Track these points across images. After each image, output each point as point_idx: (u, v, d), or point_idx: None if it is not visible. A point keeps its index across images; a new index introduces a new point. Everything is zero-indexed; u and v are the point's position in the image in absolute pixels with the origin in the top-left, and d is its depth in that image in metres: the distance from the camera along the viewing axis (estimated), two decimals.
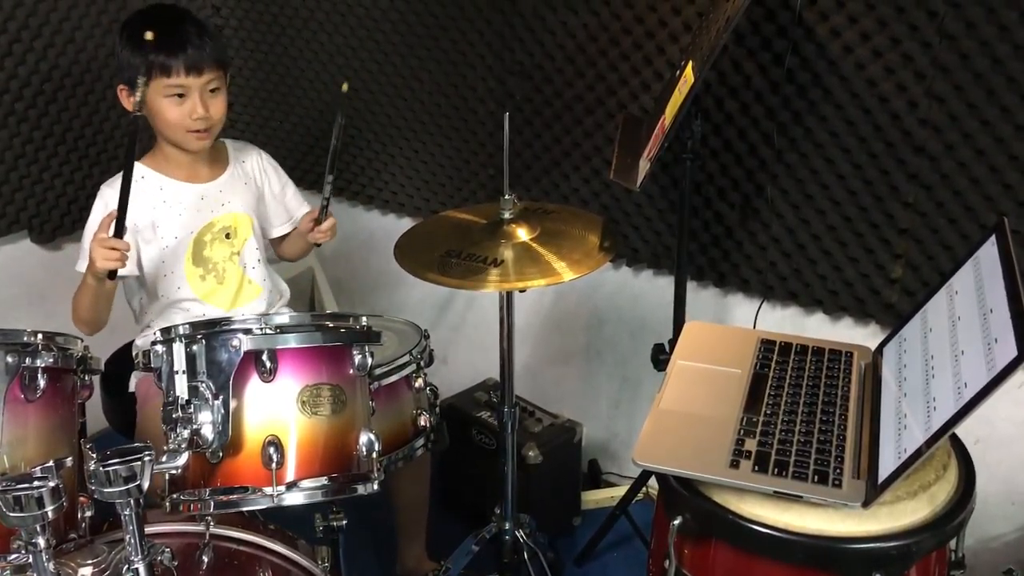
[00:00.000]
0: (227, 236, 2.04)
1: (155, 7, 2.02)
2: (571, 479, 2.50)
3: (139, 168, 1.97)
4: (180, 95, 1.88)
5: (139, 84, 1.71)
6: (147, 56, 1.83)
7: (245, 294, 2.08)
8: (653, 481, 2.38)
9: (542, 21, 2.33)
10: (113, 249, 1.73)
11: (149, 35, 1.76)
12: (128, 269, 1.90)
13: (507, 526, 2.09)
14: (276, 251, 2.27)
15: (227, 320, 1.51)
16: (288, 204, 2.20)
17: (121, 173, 1.72)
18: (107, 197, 1.93)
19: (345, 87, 1.93)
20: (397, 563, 2.29)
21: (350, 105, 2.76)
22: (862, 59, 1.90)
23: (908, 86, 1.87)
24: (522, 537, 2.09)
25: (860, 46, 1.90)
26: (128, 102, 1.91)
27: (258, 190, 2.14)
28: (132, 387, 2.05)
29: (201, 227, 2.01)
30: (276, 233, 2.20)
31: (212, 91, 1.92)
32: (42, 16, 2.44)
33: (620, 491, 2.45)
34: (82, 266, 1.90)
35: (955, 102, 1.83)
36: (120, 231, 1.72)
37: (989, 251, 1.35)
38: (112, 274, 1.76)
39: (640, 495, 2.35)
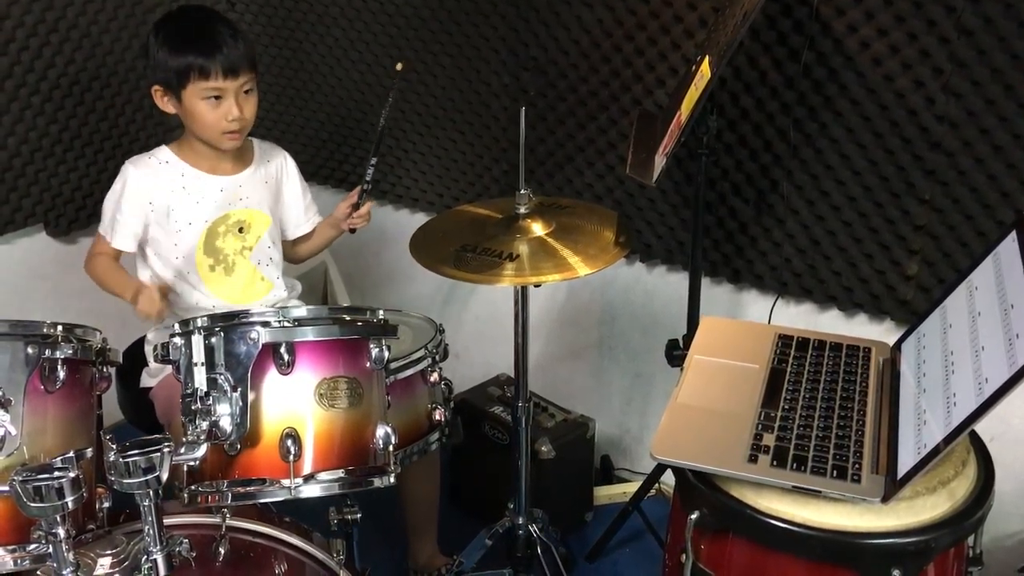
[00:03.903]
0: (240, 230, 2.06)
1: (186, 8, 2.04)
2: (583, 474, 2.51)
3: (166, 153, 2.02)
4: (217, 97, 1.90)
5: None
6: (185, 59, 1.87)
7: (255, 290, 2.10)
8: (665, 477, 2.38)
9: (556, 16, 2.33)
10: (156, 303, 1.82)
11: (399, 66, 1.89)
12: (133, 247, 2.00)
13: (520, 521, 2.09)
14: (289, 253, 2.27)
15: (245, 313, 1.51)
16: (307, 209, 2.22)
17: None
18: (129, 173, 1.99)
19: (400, 66, 1.97)
20: (409, 559, 2.30)
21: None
22: (879, 54, 1.90)
23: (925, 82, 1.87)
24: (535, 532, 2.09)
25: (877, 41, 1.89)
26: (163, 103, 1.95)
27: (278, 191, 2.15)
28: (143, 383, 2.06)
29: (216, 218, 2.03)
30: (293, 235, 2.22)
31: (246, 92, 1.95)
32: (59, 10, 2.44)
33: (632, 487, 2.45)
34: (104, 230, 2.00)
35: (973, 98, 1.82)
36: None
37: (1009, 247, 1.34)
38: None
39: (652, 491, 2.35)
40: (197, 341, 1.48)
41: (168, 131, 2.71)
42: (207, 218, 2.02)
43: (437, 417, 1.98)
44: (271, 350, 1.48)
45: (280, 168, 2.16)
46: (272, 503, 1.61)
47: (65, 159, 2.56)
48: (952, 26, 1.80)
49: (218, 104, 1.91)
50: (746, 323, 2.15)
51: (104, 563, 1.35)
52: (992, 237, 1.81)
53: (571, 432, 2.41)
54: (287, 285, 2.18)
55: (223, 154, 2.03)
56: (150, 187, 1.97)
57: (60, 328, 1.47)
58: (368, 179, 2.02)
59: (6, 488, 1.27)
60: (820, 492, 1.30)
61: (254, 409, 1.48)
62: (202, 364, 1.48)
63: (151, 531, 1.29)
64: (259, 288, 2.11)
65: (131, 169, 1.99)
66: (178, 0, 2.73)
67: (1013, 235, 1.35)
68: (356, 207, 2.07)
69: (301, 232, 2.22)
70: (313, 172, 2.96)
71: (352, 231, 2.13)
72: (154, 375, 2.04)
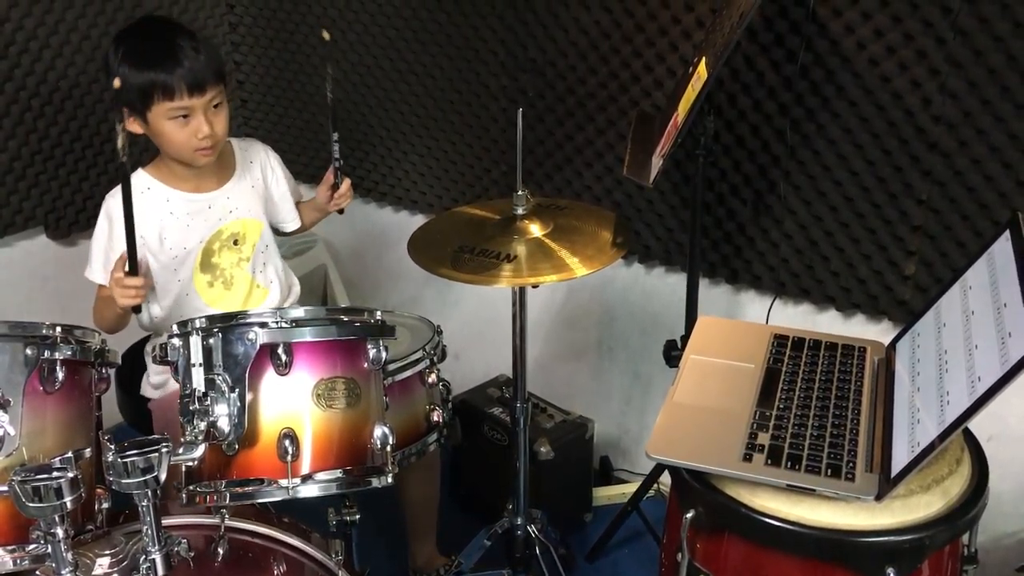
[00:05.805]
0: (235, 243, 2.03)
1: (147, 21, 2.01)
2: (582, 475, 2.51)
3: (145, 178, 1.95)
4: (184, 116, 1.83)
5: (119, 130, 1.60)
6: (147, 76, 1.78)
7: (254, 299, 2.09)
8: (664, 478, 2.38)
9: (555, 17, 2.34)
10: (131, 287, 1.76)
11: (117, 83, 1.68)
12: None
13: (519, 521, 2.09)
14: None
15: (243, 314, 1.51)
16: (295, 200, 2.20)
17: (121, 187, 1.68)
18: (110, 208, 1.90)
19: (326, 35, 1.94)
20: (409, 559, 2.30)
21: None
22: (875, 55, 1.90)
23: (922, 82, 1.87)
24: (534, 532, 2.10)
25: (874, 42, 1.90)
26: (129, 123, 1.83)
27: (266, 190, 2.12)
28: (143, 391, 2.06)
29: (210, 236, 1.99)
30: (289, 228, 2.21)
31: (215, 107, 1.87)
32: (58, 13, 2.46)
33: (631, 488, 2.45)
34: (91, 274, 1.93)
35: (969, 98, 1.83)
36: (134, 269, 1.74)
37: (1003, 246, 1.34)
38: (136, 308, 1.82)
39: (651, 492, 2.36)
40: (195, 342, 1.49)
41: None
42: (201, 238, 1.97)
43: (435, 418, 1.98)
44: (269, 351, 1.49)
45: (264, 166, 2.11)
46: (271, 503, 1.62)
47: (65, 162, 2.57)
48: (948, 27, 1.80)
49: (187, 123, 1.83)
50: (742, 323, 2.16)
51: (103, 563, 1.36)
52: (989, 237, 1.81)
53: (570, 433, 2.42)
54: (286, 286, 2.16)
55: (204, 170, 1.96)
56: (137, 219, 1.82)
57: (59, 329, 1.48)
58: (337, 156, 2.02)
59: (5, 488, 1.28)
60: (814, 490, 1.31)
61: (252, 409, 1.48)
62: (200, 365, 1.48)
63: (149, 531, 1.30)
64: (256, 296, 2.09)
65: (112, 203, 1.89)
66: (178, 3, 2.75)
67: (1007, 235, 1.35)
68: (335, 187, 2.07)
69: (293, 227, 2.21)
70: (312, 174, 2.97)
71: (340, 211, 2.14)
72: (155, 386, 2.03)
